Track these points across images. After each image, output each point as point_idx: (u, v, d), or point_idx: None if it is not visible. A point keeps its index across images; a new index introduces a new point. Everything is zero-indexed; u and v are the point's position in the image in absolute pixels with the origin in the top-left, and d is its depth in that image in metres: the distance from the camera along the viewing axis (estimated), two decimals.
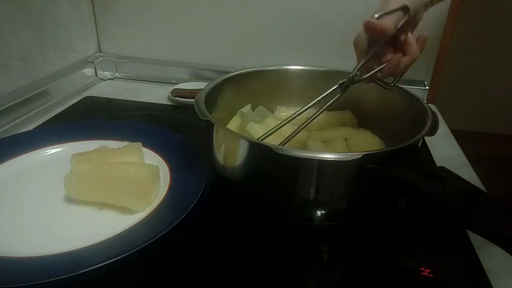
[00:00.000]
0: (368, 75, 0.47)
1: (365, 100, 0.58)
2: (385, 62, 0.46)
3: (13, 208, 0.45)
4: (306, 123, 0.49)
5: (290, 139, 0.48)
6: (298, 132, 0.48)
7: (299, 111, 0.49)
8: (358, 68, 0.46)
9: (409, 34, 0.46)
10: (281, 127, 0.48)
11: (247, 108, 0.58)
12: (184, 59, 0.87)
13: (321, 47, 0.80)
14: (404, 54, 0.46)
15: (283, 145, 0.46)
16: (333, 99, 0.49)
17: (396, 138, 0.46)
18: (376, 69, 0.47)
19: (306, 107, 0.49)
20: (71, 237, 0.40)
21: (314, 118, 0.49)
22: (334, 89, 0.48)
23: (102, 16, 0.87)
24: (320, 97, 0.49)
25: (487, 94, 1.93)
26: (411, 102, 0.51)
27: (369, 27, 0.42)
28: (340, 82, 0.48)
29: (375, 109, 0.57)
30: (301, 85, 0.60)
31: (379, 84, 0.50)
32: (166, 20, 0.85)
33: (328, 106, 0.48)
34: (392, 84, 0.50)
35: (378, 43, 0.45)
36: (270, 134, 0.48)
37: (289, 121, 0.48)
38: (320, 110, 0.49)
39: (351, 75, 0.47)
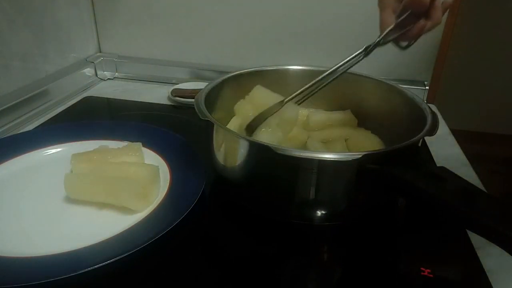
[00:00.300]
0: (391, 38, 0.47)
1: (365, 100, 0.58)
2: (407, 26, 0.46)
3: (13, 208, 0.45)
4: (321, 85, 0.51)
5: (302, 94, 0.51)
6: (311, 87, 0.51)
7: (322, 76, 0.51)
8: (385, 34, 0.47)
9: (437, 0, 0.46)
10: (304, 90, 0.51)
11: None
12: (184, 59, 0.87)
13: (322, 47, 0.80)
14: (427, 18, 0.46)
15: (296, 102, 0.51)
16: (355, 63, 0.50)
17: (396, 138, 0.46)
18: (400, 33, 0.47)
19: (329, 71, 0.50)
20: (71, 237, 0.40)
21: (332, 80, 0.51)
22: (357, 54, 0.49)
23: (102, 16, 0.87)
24: (344, 60, 0.50)
25: (487, 94, 1.93)
26: (411, 102, 0.51)
27: (413, 2, 0.44)
28: (365, 46, 0.49)
29: (375, 109, 0.57)
30: (301, 85, 0.60)
31: (395, 45, 0.50)
32: (166, 20, 0.85)
33: (348, 69, 0.50)
34: (407, 46, 0.50)
35: (409, 11, 0.45)
36: (294, 97, 0.51)
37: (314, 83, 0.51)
38: (339, 73, 0.51)
39: (377, 40, 0.48)
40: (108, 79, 0.89)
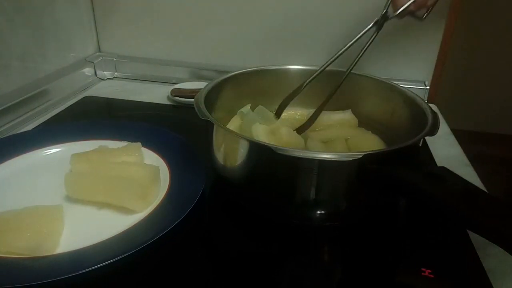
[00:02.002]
0: (401, 9, 0.46)
1: (365, 100, 0.58)
2: None
3: (12, 208, 0.45)
4: (342, 81, 0.51)
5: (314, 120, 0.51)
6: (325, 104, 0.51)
7: (338, 54, 0.51)
8: (389, 3, 0.46)
9: None
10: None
11: (246, 108, 0.58)
12: (184, 59, 0.87)
13: (322, 46, 0.80)
14: None
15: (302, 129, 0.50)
16: (370, 40, 0.49)
17: (397, 138, 0.46)
18: (409, 2, 0.46)
19: (344, 49, 0.50)
20: (71, 237, 0.40)
21: (349, 71, 0.51)
22: (369, 29, 0.49)
23: (102, 15, 0.87)
24: (356, 38, 0.49)
25: (488, 94, 1.93)
26: (412, 102, 0.51)
27: None
28: (375, 20, 0.48)
29: (376, 109, 0.57)
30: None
31: (412, 17, 0.49)
32: (166, 19, 0.85)
33: (365, 49, 0.49)
34: (425, 15, 0.49)
35: None
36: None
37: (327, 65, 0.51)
38: (357, 58, 0.50)
39: (383, 12, 0.47)
40: (108, 78, 0.89)
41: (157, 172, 0.48)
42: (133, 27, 0.87)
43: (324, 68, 0.51)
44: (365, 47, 0.49)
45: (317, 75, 0.51)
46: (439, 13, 0.74)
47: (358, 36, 0.49)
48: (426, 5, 0.47)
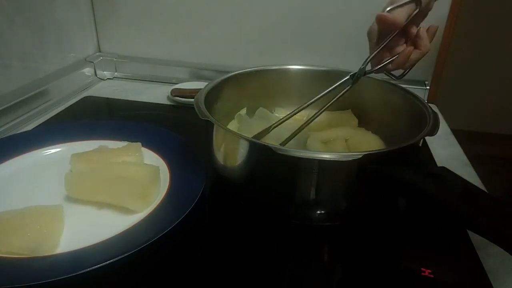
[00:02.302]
0: (378, 67, 0.48)
1: (366, 100, 0.58)
2: (396, 54, 0.47)
3: (12, 208, 0.45)
4: (313, 117, 0.50)
5: (294, 136, 0.49)
6: (303, 128, 0.50)
7: (309, 102, 0.50)
8: (369, 60, 0.47)
9: (421, 29, 0.46)
10: (287, 119, 0.51)
11: (244, 111, 0.58)
12: (184, 59, 0.87)
13: (322, 46, 0.80)
14: (415, 47, 0.46)
15: (286, 141, 0.48)
16: (343, 91, 0.49)
17: (397, 138, 0.46)
18: (386, 61, 0.47)
19: (316, 98, 0.50)
20: (71, 237, 0.40)
21: (321, 113, 0.50)
22: (344, 80, 0.49)
23: (102, 15, 0.87)
24: (331, 88, 0.49)
25: (488, 94, 1.93)
26: (412, 102, 0.51)
27: (381, 20, 0.44)
28: (351, 73, 0.49)
29: (376, 109, 0.57)
30: (301, 85, 0.60)
31: (388, 75, 0.50)
32: (166, 20, 0.85)
33: (337, 98, 0.50)
34: (401, 76, 0.50)
35: (389, 34, 0.46)
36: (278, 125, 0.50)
37: (295, 113, 0.51)
38: (329, 103, 0.50)
39: (361, 67, 0.48)
40: (108, 78, 0.89)
41: (157, 172, 0.48)
42: (133, 27, 0.87)
43: (293, 114, 0.51)
44: (337, 97, 0.50)
45: (286, 119, 0.51)
46: (440, 13, 0.74)
47: (332, 87, 0.49)
48: (404, 67, 0.48)
